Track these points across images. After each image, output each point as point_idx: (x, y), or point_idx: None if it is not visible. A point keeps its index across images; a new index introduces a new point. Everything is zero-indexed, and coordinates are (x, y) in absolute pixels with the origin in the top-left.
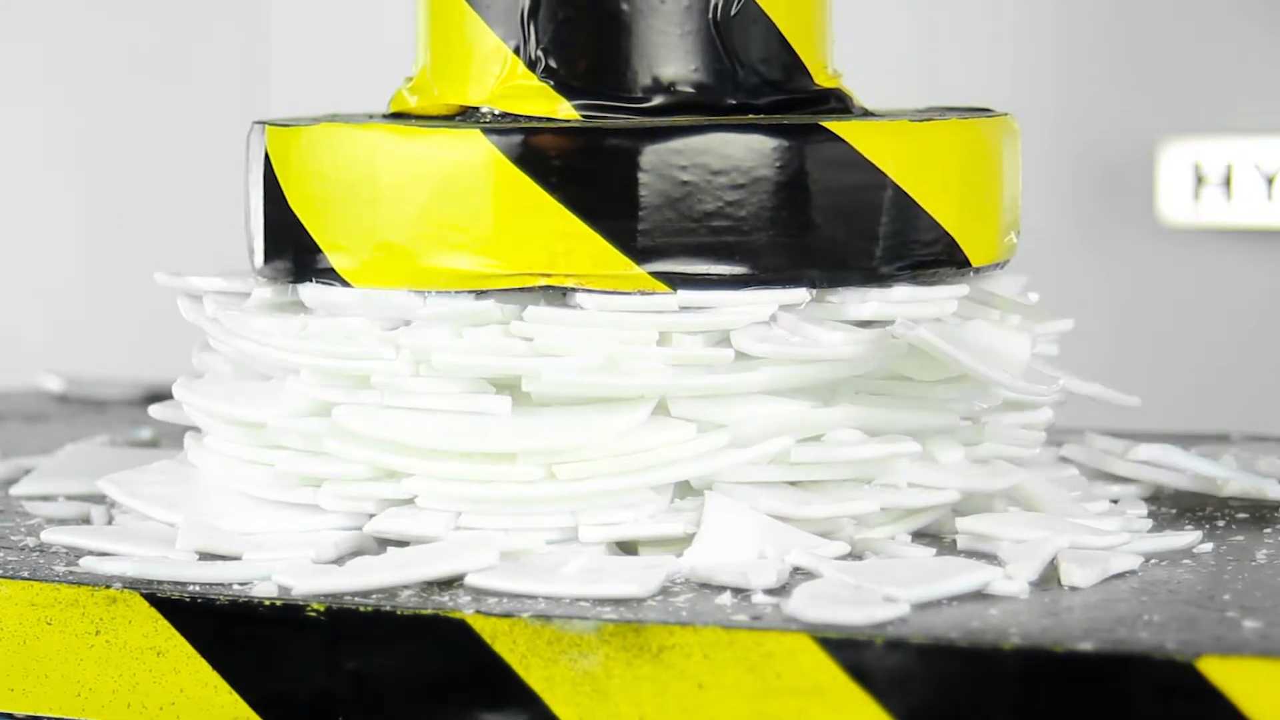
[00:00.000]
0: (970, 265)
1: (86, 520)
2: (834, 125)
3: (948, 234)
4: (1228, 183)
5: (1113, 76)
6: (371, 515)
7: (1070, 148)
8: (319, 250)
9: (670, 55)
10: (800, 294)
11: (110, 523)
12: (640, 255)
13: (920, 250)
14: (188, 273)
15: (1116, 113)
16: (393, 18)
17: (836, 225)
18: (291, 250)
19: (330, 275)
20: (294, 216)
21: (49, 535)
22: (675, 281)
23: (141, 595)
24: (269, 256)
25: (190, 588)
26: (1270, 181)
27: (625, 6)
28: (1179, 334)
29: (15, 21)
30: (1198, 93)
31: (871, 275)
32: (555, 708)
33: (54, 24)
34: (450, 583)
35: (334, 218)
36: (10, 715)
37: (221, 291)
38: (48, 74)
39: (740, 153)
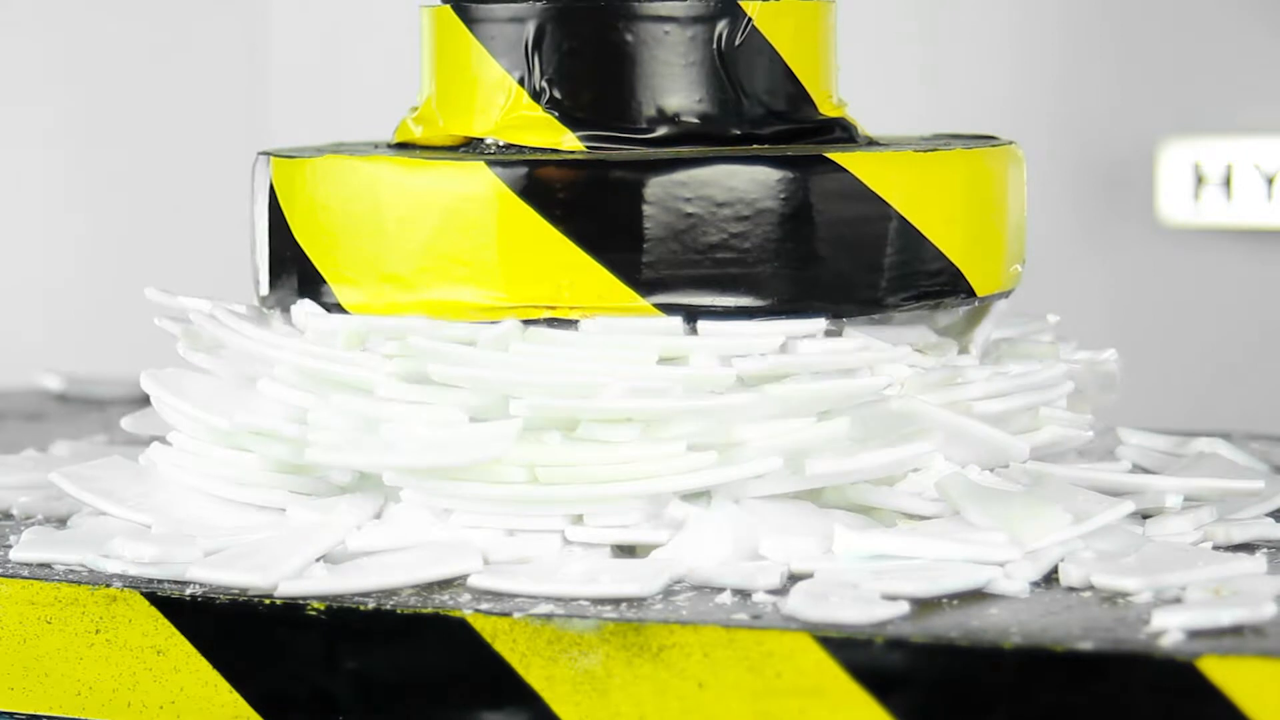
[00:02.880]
0: (975, 295)
1: (64, 521)
2: (838, 156)
3: (952, 264)
4: (1228, 183)
5: (1113, 76)
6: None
7: (1070, 148)
8: (324, 282)
9: (675, 86)
10: (816, 324)
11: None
12: (645, 287)
13: (925, 281)
14: (183, 285)
15: (1116, 113)
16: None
17: (841, 256)
18: (296, 281)
19: (335, 308)
20: (299, 248)
21: (18, 554)
22: (680, 314)
23: (141, 594)
24: (274, 286)
25: (190, 587)
26: (1270, 181)
27: (629, 37)
28: (1179, 334)
29: (18, 23)
30: (1198, 93)
31: (876, 306)
32: (555, 707)
33: (56, 25)
34: (450, 582)
35: (338, 250)
36: (10, 714)
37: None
38: (49, 75)
39: (744, 184)
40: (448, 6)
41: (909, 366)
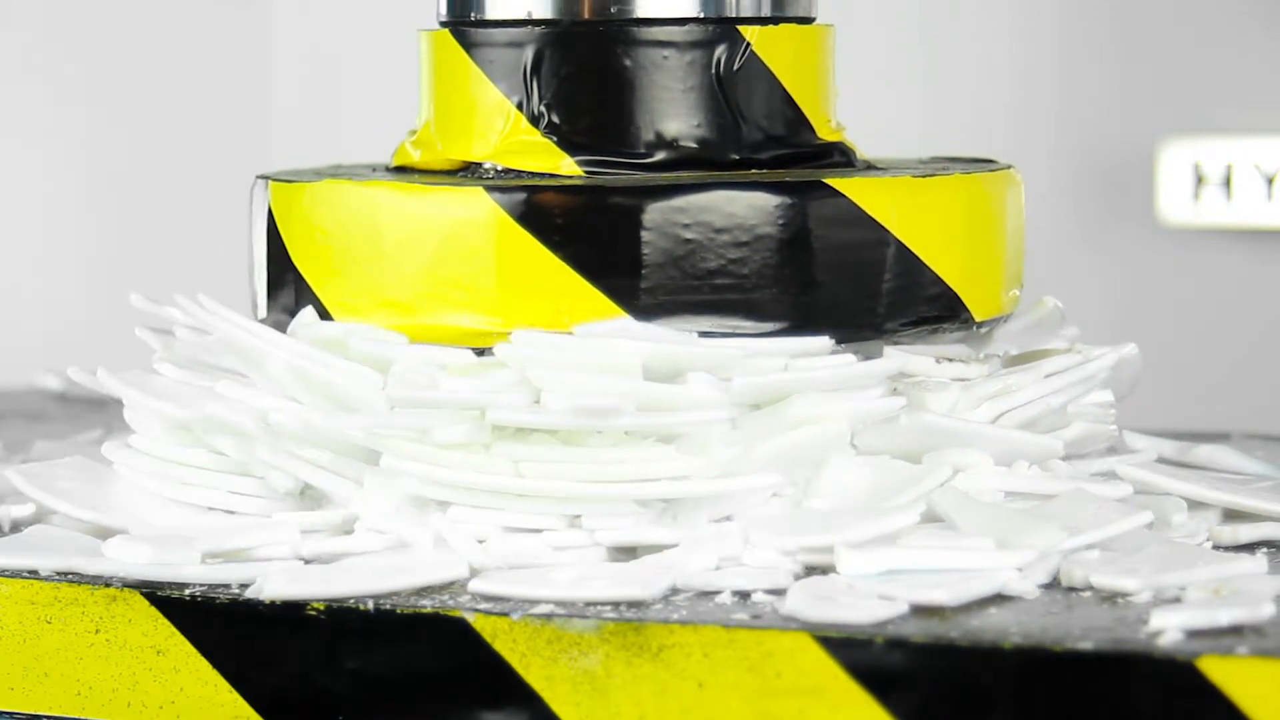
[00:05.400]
0: (973, 320)
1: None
2: (836, 181)
3: (950, 289)
4: (1228, 183)
5: (1113, 76)
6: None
7: (1071, 148)
8: (322, 307)
9: (673, 111)
10: (821, 343)
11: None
12: (643, 313)
13: (923, 306)
14: (171, 293)
15: (1117, 113)
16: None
17: (839, 282)
18: (295, 305)
19: None
20: (297, 272)
21: None
22: None
23: (141, 594)
24: (271, 310)
25: (190, 587)
26: (1270, 181)
27: (628, 62)
28: (1179, 334)
29: (19, 22)
30: (1198, 93)
31: (875, 331)
32: (555, 707)
33: (60, 26)
34: (450, 583)
35: (336, 274)
36: (10, 714)
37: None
38: (52, 75)
39: (743, 210)
40: (446, 30)
41: (953, 380)
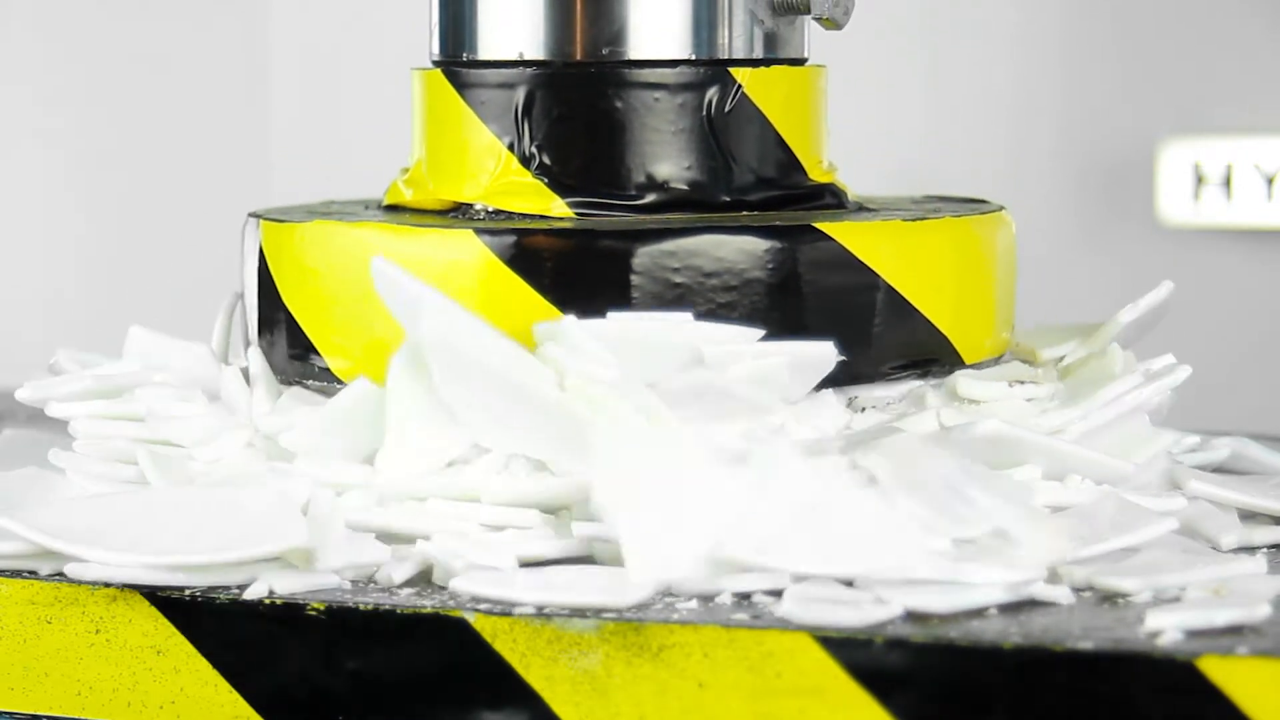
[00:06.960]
0: (964, 363)
1: None
2: (826, 226)
3: (941, 333)
4: (1228, 183)
5: (1114, 76)
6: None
7: (1071, 147)
8: (313, 349)
9: (664, 153)
10: (825, 349)
11: None
12: None
13: (913, 350)
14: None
15: (1117, 113)
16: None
17: (829, 325)
18: (285, 345)
19: (326, 375)
20: (287, 311)
21: None
22: None
23: (142, 594)
24: (264, 351)
25: (190, 587)
26: (1270, 181)
27: (619, 104)
28: (1179, 334)
29: (19, 23)
30: (1198, 93)
31: (864, 375)
32: (556, 707)
33: (58, 25)
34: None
35: (327, 315)
36: (10, 714)
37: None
38: (54, 74)
39: (732, 254)
40: (438, 71)
41: (1026, 400)
